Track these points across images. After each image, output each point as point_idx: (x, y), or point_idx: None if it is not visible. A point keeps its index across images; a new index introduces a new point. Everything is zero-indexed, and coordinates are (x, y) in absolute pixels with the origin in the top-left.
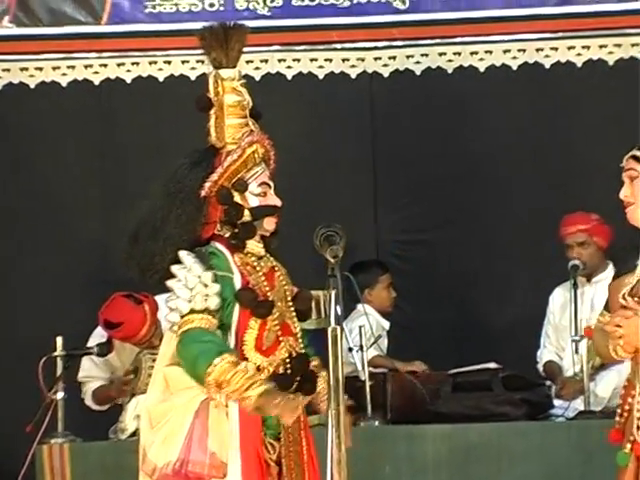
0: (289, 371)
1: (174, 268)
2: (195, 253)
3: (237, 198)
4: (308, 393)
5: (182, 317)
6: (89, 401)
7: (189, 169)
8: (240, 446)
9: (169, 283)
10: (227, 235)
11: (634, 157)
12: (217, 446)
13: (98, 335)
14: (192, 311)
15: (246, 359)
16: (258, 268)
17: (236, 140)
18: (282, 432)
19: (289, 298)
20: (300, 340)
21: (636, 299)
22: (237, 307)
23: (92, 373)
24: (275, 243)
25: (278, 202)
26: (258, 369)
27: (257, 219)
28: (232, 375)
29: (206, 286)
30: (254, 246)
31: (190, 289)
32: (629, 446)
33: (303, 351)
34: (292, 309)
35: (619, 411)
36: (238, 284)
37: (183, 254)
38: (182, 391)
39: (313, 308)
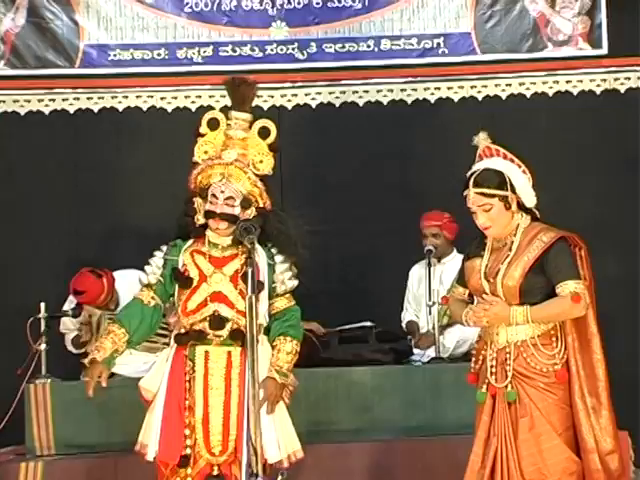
0: (207, 327)
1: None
2: (172, 242)
3: (200, 202)
4: (240, 346)
5: None
6: (70, 347)
7: None
8: (169, 371)
9: None
10: None
11: (482, 194)
12: (153, 378)
13: (70, 300)
14: (143, 284)
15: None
16: (208, 254)
17: None
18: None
19: (239, 277)
20: (238, 307)
21: (491, 280)
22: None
23: (69, 326)
24: (240, 238)
25: (217, 210)
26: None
27: (206, 219)
28: (103, 335)
29: (157, 267)
30: (216, 239)
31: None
32: (485, 387)
33: (227, 315)
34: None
35: (474, 359)
36: (179, 266)
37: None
38: None
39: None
